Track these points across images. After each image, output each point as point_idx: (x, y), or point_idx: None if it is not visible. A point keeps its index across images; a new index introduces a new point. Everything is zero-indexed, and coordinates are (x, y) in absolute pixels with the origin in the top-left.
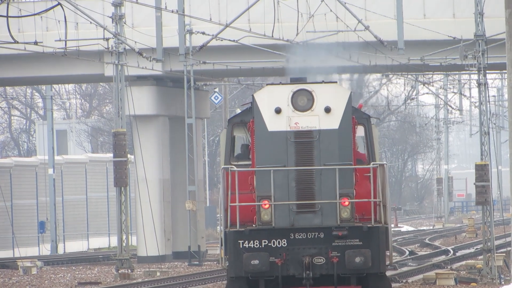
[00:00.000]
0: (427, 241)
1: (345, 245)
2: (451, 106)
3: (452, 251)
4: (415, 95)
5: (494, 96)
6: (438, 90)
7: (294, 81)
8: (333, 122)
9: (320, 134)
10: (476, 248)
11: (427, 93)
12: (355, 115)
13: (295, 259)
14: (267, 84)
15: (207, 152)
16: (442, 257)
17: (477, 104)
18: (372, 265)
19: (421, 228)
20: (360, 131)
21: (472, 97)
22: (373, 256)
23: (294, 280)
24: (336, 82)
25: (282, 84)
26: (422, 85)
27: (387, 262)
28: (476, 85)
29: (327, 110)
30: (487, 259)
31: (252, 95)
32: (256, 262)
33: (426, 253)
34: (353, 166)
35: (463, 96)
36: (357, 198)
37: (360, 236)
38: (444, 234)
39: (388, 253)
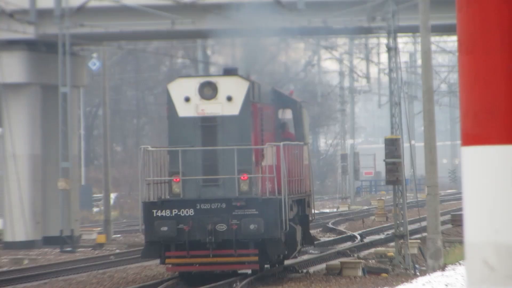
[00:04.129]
0: (330, 225)
1: (243, 214)
2: (357, 74)
3: (359, 237)
4: (317, 61)
5: (405, 62)
6: (342, 56)
7: (226, 72)
8: (234, 109)
9: (223, 120)
10: (387, 234)
11: (330, 59)
12: (282, 99)
13: (200, 226)
14: (178, 77)
15: (83, 125)
16: (348, 244)
17: (386, 71)
18: (266, 231)
19: (324, 211)
20: (288, 114)
21: (381, 63)
22: (267, 223)
23: (200, 245)
24: (237, 75)
25: (191, 76)
26: (324, 50)
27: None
28: (386, 50)
29: (229, 98)
30: (400, 247)
31: (166, 86)
32: (165, 228)
33: (329, 239)
34: (251, 147)
35: (370, 62)
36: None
37: (256, 207)
38: (350, 217)
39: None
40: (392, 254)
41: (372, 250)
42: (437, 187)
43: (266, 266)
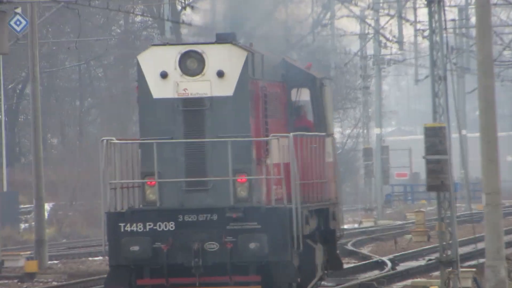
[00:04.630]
0: (350, 247)
1: (241, 228)
2: (385, 37)
3: (390, 264)
4: (329, 20)
5: (453, 20)
6: (364, 12)
7: (220, 38)
8: (227, 88)
9: (212, 102)
10: (429, 260)
11: (347, 17)
12: (297, 75)
13: (183, 245)
14: (152, 45)
15: (4, 108)
16: (375, 273)
17: (426, 33)
18: (271, 251)
19: (342, 227)
20: (305, 94)
21: (419, 22)
22: (272, 241)
23: (183, 270)
24: (230, 42)
25: (169, 44)
26: (340, 5)
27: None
28: (425, 3)
29: (220, 74)
30: (447, 277)
31: (136, 57)
32: (136, 248)
33: (349, 265)
34: (250, 139)
35: (404, 21)
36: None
37: (258, 219)
38: (377, 236)
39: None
40: (437, 287)
41: (409, 281)
42: (499, 194)
43: None
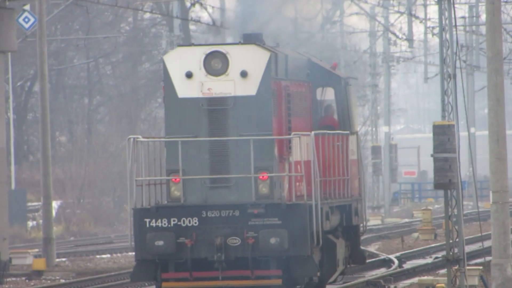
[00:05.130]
0: None
1: (262, 224)
2: (395, 34)
3: (396, 262)
4: (339, 17)
5: (463, 17)
6: (374, 10)
7: (246, 38)
8: (250, 87)
9: (236, 101)
10: (436, 258)
11: (357, 14)
12: (322, 75)
13: (206, 240)
14: (177, 45)
15: (13, 106)
16: (381, 271)
17: (436, 30)
18: (291, 246)
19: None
20: (329, 94)
21: (429, 19)
22: (292, 236)
23: (206, 264)
24: (254, 43)
25: (195, 45)
26: (349, 1)
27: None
28: (435, 0)
29: (244, 74)
30: (454, 275)
31: (162, 58)
32: (161, 243)
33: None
34: (272, 137)
35: (413, 19)
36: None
37: (279, 215)
38: (384, 234)
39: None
40: (443, 285)
41: (415, 279)
42: (506, 192)
43: None
